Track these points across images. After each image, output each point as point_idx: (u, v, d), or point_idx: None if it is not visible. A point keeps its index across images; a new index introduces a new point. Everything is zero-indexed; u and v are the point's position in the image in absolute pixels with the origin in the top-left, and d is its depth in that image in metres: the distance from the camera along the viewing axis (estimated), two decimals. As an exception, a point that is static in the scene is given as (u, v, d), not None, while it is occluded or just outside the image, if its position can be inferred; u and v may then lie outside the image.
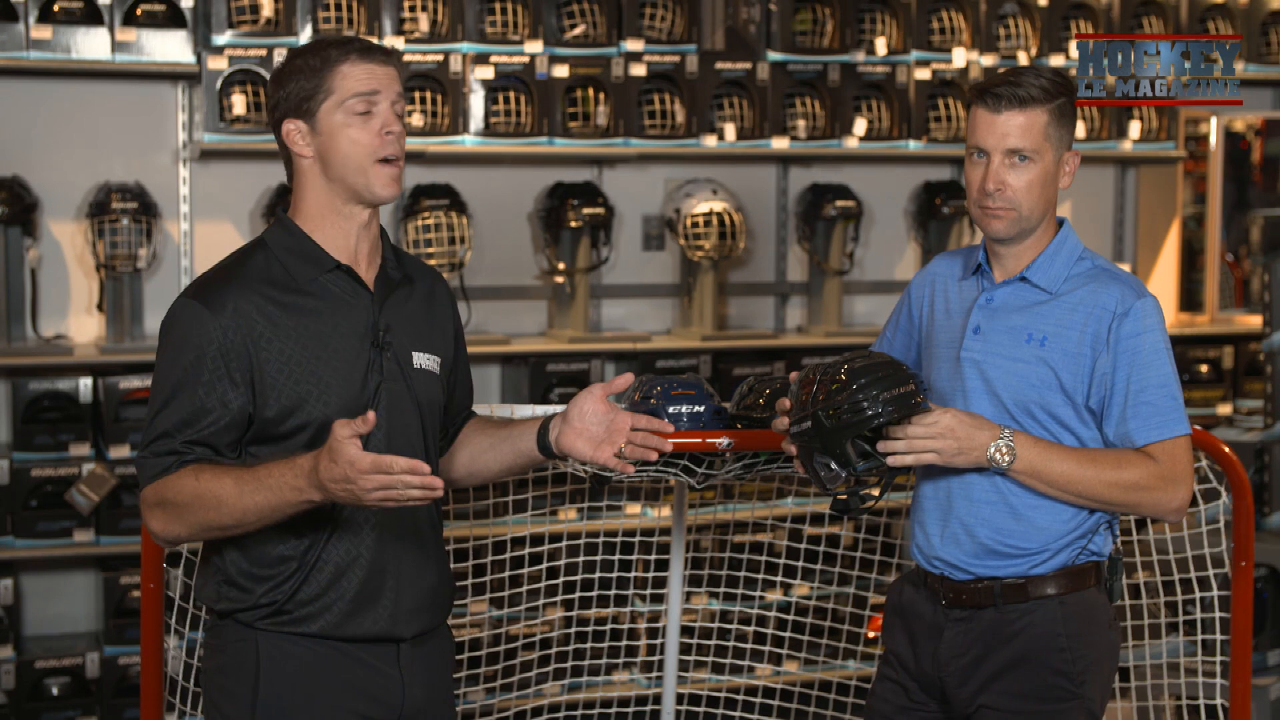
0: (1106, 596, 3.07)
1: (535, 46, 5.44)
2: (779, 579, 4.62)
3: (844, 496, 2.98)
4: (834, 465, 2.89)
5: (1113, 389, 2.94)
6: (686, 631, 4.56)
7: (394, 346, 2.74)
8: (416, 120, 5.31)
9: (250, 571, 2.67)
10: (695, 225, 5.69)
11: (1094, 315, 2.95)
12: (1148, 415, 2.92)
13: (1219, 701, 3.97)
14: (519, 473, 3.00)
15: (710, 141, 5.64)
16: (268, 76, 5.14)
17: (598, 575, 4.53)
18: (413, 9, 5.33)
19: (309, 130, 2.68)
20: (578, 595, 4.58)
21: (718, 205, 5.70)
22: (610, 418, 2.77)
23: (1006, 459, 2.90)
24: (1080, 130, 6.10)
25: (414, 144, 5.24)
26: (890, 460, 2.88)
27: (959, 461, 2.91)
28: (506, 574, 4.85)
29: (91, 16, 5.08)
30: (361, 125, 2.66)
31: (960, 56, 5.91)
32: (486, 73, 5.38)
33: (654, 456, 2.78)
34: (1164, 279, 6.53)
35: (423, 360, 2.79)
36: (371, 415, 2.45)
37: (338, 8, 5.24)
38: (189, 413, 2.60)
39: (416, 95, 5.33)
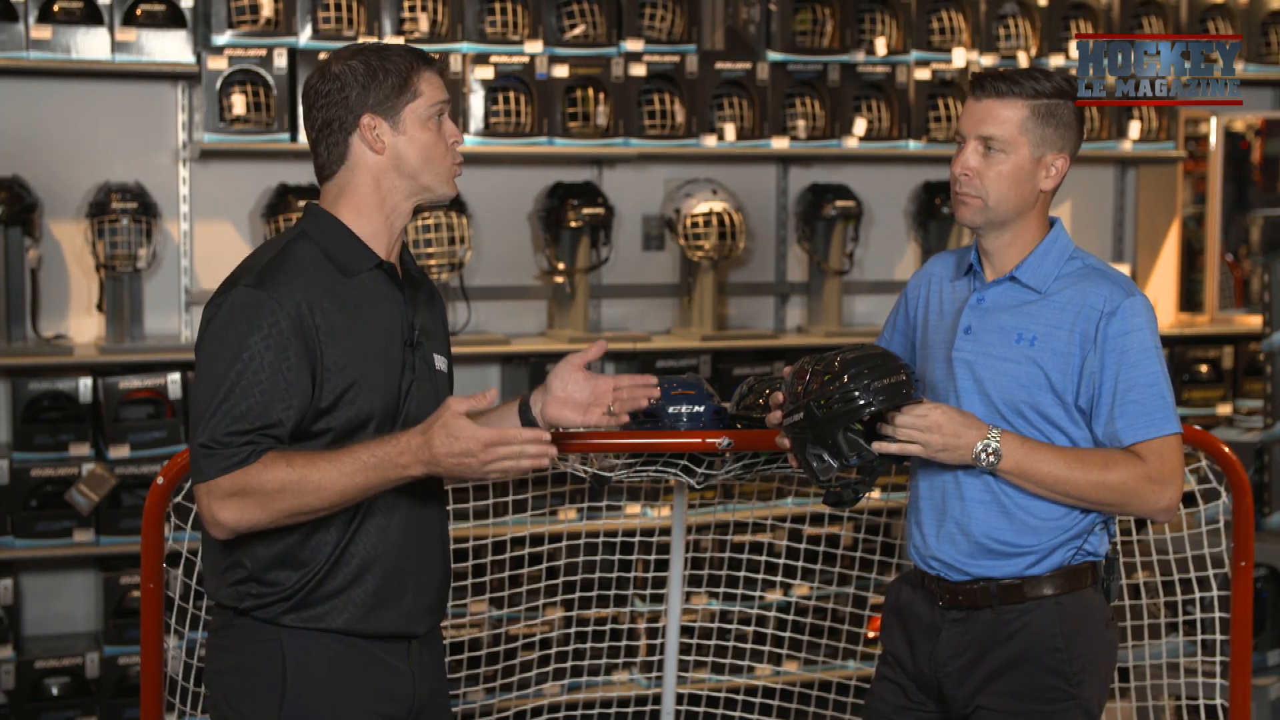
0: (1103, 596, 3.07)
1: (535, 46, 5.44)
2: (779, 579, 4.62)
3: (837, 489, 2.99)
4: (826, 456, 2.90)
5: (1101, 388, 2.94)
6: (686, 631, 4.56)
7: (423, 347, 2.78)
8: (416, 120, 5.31)
9: (275, 567, 2.67)
10: (695, 225, 5.69)
11: (1082, 314, 2.95)
12: (1135, 414, 2.92)
13: (1219, 701, 3.97)
14: None
15: (710, 141, 5.64)
16: (268, 76, 5.15)
17: (598, 575, 4.53)
18: (413, 9, 5.33)
19: (390, 128, 2.71)
20: (578, 595, 4.58)
21: (718, 205, 5.70)
22: (592, 384, 2.82)
23: (992, 459, 2.91)
24: (1080, 130, 6.09)
25: (414, 144, 5.24)
26: (874, 445, 2.89)
27: (943, 458, 2.92)
28: (506, 574, 4.85)
29: (91, 16, 5.08)
30: (439, 130, 2.75)
31: (960, 56, 5.91)
32: (486, 73, 5.38)
33: (644, 404, 2.84)
34: (1164, 279, 6.53)
35: (440, 362, 2.85)
36: (494, 392, 2.60)
37: (338, 8, 5.25)
38: (259, 401, 2.58)
39: (416, 95, 5.33)
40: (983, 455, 2.91)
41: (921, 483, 3.10)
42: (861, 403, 2.87)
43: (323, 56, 5.14)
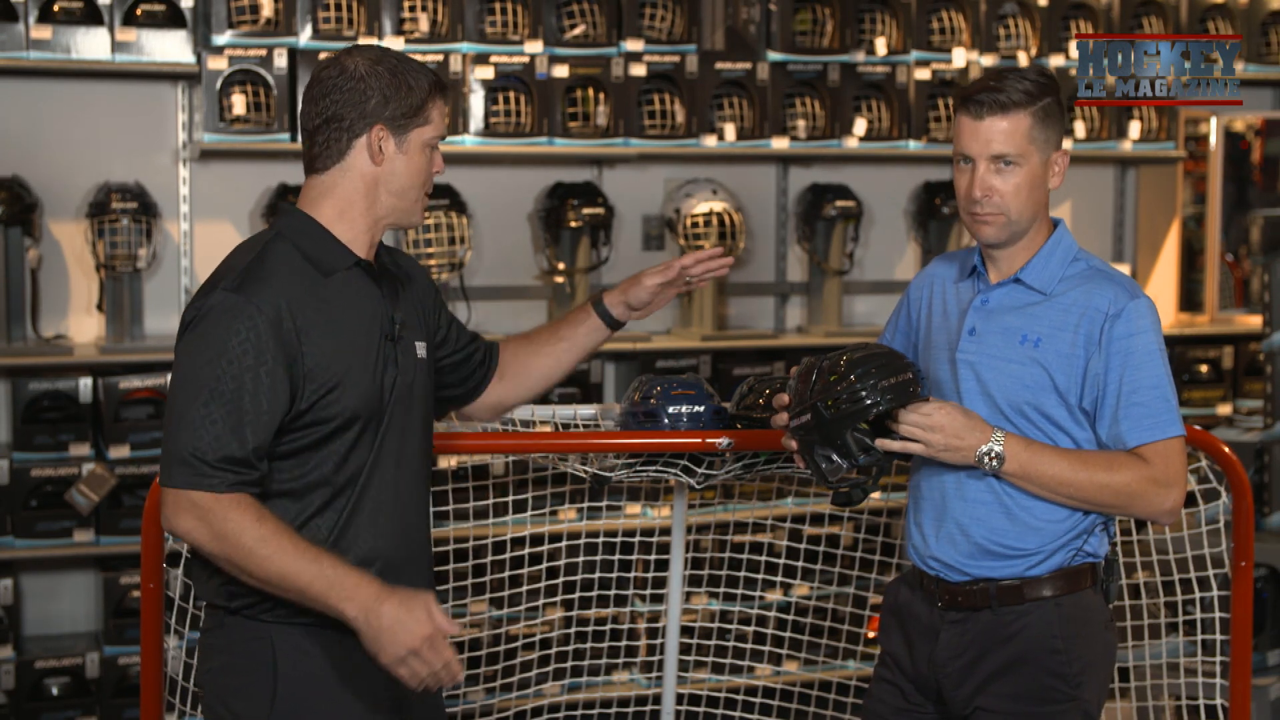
0: (1103, 598, 3.07)
1: (535, 46, 5.44)
2: (779, 579, 4.62)
3: (845, 490, 2.99)
4: (835, 457, 2.90)
5: (1105, 390, 2.93)
6: (686, 631, 4.56)
7: (404, 340, 2.79)
8: (416, 120, 5.31)
9: None
10: (695, 225, 5.69)
11: (1087, 316, 2.95)
12: (1139, 417, 2.92)
13: (1219, 701, 3.97)
14: (580, 361, 3.21)
15: (710, 141, 5.64)
16: (268, 76, 5.15)
17: (598, 575, 4.53)
18: (413, 9, 5.33)
19: (395, 145, 2.73)
20: (578, 595, 4.58)
21: (718, 205, 5.70)
22: (663, 291, 3.14)
23: (995, 463, 2.90)
24: (1080, 130, 6.10)
25: (414, 144, 5.24)
26: (878, 442, 2.88)
27: (946, 458, 2.91)
28: (506, 574, 4.85)
29: (91, 16, 5.08)
30: (429, 159, 2.78)
31: (960, 56, 5.91)
32: (486, 73, 5.38)
33: (723, 273, 3.13)
34: (1164, 279, 6.53)
35: (420, 349, 2.85)
36: (458, 625, 2.60)
37: (338, 8, 5.24)
38: (240, 413, 2.58)
39: (416, 95, 5.33)
40: (986, 459, 2.90)
41: (922, 482, 3.09)
42: (869, 402, 2.86)
43: (323, 56, 5.17)
